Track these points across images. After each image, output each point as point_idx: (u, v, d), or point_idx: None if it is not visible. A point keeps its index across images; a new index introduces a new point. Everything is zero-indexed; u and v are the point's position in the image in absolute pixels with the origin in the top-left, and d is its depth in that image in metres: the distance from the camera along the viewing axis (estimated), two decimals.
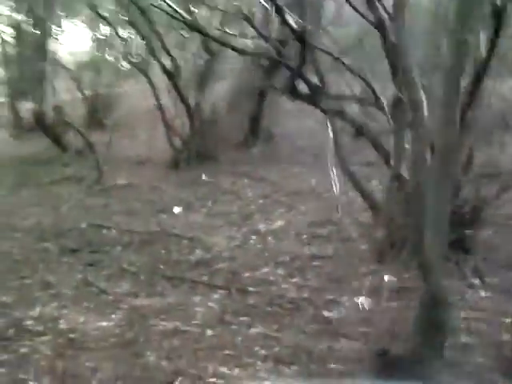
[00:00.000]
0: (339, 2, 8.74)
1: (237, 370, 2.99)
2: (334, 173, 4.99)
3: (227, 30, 6.63)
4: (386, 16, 4.77)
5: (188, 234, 5.22)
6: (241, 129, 8.54)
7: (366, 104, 5.72)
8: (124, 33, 9.53)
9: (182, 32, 8.49)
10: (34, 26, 9.87)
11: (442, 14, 5.81)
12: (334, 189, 4.72)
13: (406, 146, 4.63)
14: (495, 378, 2.88)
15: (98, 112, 10.42)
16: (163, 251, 4.87)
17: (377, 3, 4.49)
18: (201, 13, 8.09)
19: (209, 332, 3.44)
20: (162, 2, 6.04)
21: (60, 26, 10.00)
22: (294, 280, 4.25)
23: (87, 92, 10.42)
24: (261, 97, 8.44)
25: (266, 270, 4.45)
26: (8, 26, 11.77)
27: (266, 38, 6.72)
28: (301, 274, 4.33)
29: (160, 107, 8.03)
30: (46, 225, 5.54)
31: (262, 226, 5.44)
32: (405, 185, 4.46)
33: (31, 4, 10.01)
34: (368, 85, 5.33)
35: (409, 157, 4.65)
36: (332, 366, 3.06)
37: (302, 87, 5.05)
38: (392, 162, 4.63)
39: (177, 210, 6.05)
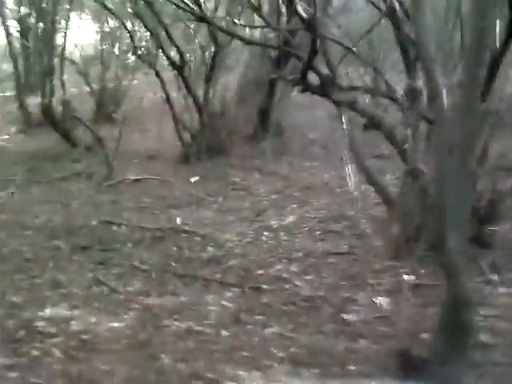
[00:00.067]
0: None
1: (255, 373, 2.92)
2: (349, 167, 4.91)
3: (235, 21, 6.55)
4: (396, 4, 4.68)
5: (199, 230, 5.15)
6: (250, 122, 8.44)
7: (378, 95, 5.62)
8: (130, 25, 9.46)
9: (189, 23, 8.43)
10: (41, 19, 9.78)
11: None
12: (349, 183, 4.64)
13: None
14: None
15: (106, 106, 10.36)
16: (175, 248, 4.80)
17: None
18: (208, 4, 8.02)
19: (224, 332, 3.37)
20: None
21: (67, 20, 9.89)
22: (309, 277, 4.16)
23: (95, 86, 10.36)
24: (270, 89, 8.33)
25: (279, 266, 4.37)
26: (15, 20, 11.74)
27: (275, 28, 6.63)
28: (315, 271, 4.24)
29: (168, 101, 7.95)
30: (57, 222, 5.47)
31: (274, 222, 5.35)
32: (420, 178, 4.37)
33: None
34: (380, 75, 5.24)
35: (424, 149, 4.59)
36: (352, 367, 2.98)
37: (312, 78, 4.95)
38: (407, 155, 4.54)
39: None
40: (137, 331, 3.38)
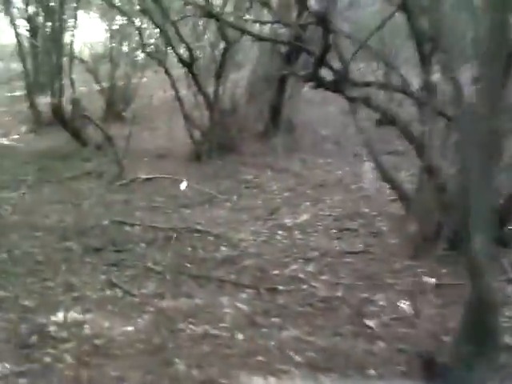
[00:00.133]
0: None
1: (270, 378, 2.84)
2: (363, 163, 4.83)
3: (246, 16, 6.48)
4: None
5: (213, 229, 5.08)
6: (261, 119, 8.36)
7: (393, 90, 5.51)
8: (139, 22, 9.40)
9: (198, 20, 8.35)
10: (49, 18, 9.74)
11: None
12: (364, 180, 4.56)
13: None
14: None
15: (116, 104, 10.32)
16: (188, 248, 4.72)
17: None
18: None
19: (239, 336, 3.29)
20: None
21: (75, 18, 9.84)
22: (325, 277, 4.08)
23: (104, 84, 10.31)
24: (281, 85, 8.24)
25: (294, 266, 4.29)
26: (23, 19, 11.72)
27: (286, 23, 6.54)
28: (331, 271, 4.16)
29: (178, 98, 7.88)
30: (68, 223, 5.41)
31: (288, 221, 5.27)
32: (438, 175, 4.27)
33: None
34: (395, 70, 5.14)
35: (440, 146, 4.49)
36: (371, 371, 2.90)
37: (323, 74, 4.86)
38: (423, 151, 4.44)
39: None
40: (151, 335, 3.31)
